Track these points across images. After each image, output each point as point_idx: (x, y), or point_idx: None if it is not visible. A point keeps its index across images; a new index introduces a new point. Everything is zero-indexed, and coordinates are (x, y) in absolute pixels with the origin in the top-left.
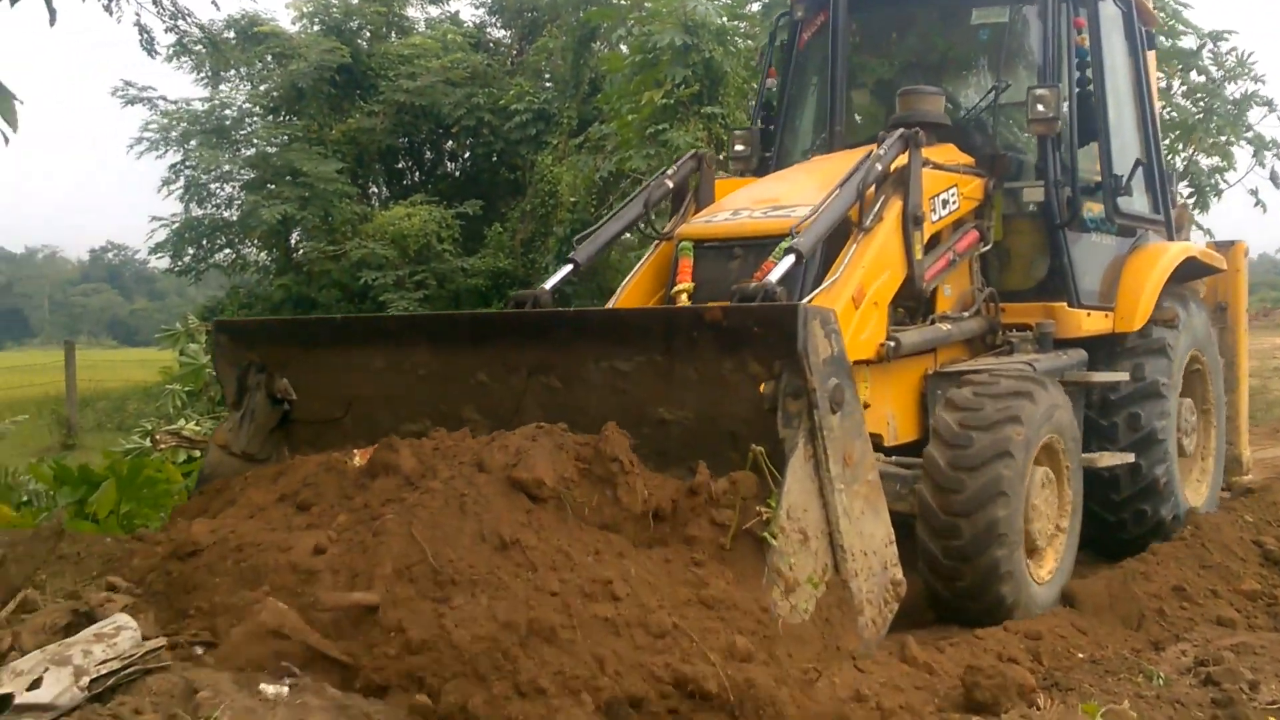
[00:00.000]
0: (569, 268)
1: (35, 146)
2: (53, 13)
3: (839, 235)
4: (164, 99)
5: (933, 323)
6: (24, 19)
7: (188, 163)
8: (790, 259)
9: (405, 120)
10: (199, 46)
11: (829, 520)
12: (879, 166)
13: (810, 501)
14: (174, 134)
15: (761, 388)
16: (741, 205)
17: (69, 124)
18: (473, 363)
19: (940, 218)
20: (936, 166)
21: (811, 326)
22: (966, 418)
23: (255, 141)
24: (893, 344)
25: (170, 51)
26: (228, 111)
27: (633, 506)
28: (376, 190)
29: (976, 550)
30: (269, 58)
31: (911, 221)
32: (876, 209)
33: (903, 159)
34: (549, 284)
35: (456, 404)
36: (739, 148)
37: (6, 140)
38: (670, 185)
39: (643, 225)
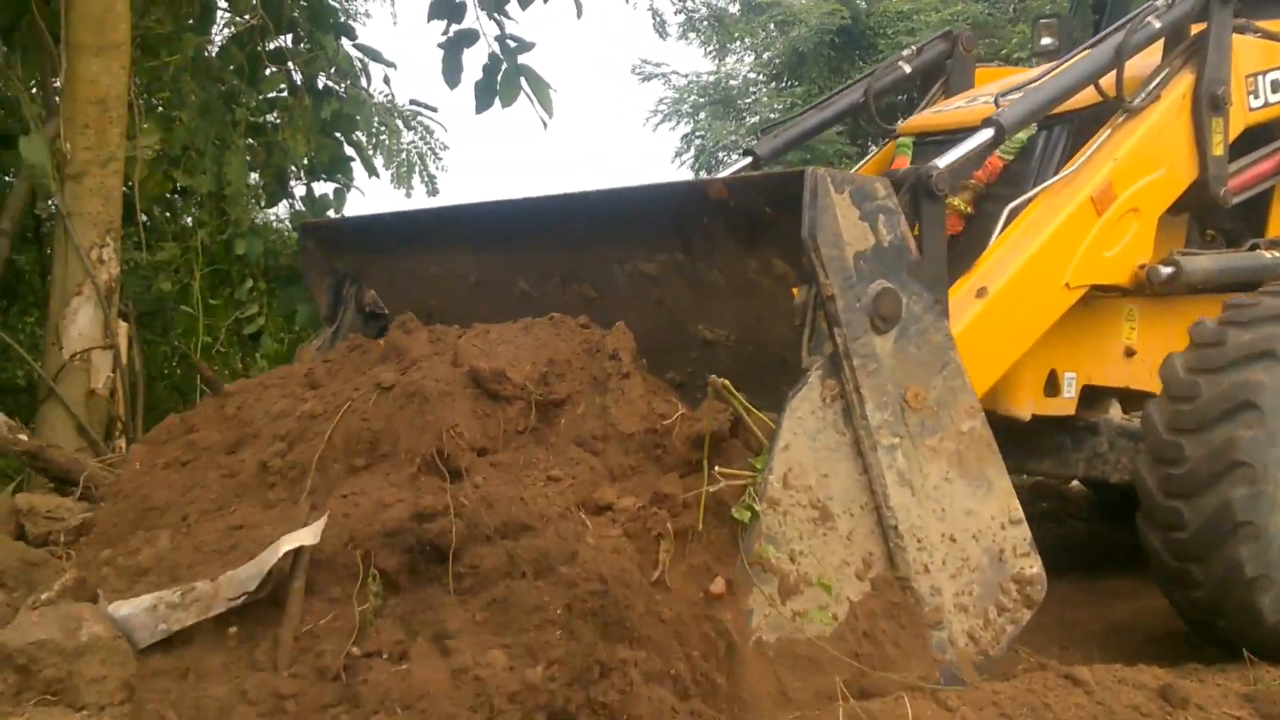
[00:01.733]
0: (745, 162)
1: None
2: (579, 6)
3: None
4: (676, 73)
5: (1252, 248)
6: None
7: (698, 133)
8: (985, 134)
9: None
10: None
11: (873, 490)
12: (1155, 24)
13: (833, 463)
14: (684, 107)
15: (795, 293)
16: (985, 93)
17: (591, 103)
18: (510, 270)
19: (1267, 105)
20: (1269, 36)
21: (826, 200)
22: (1198, 358)
23: (759, 109)
24: (1168, 270)
25: (680, 30)
26: (733, 82)
27: (621, 423)
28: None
29: (1207, 545)
30: (771, 26)
31: (1208, 102)
32: (1153, 84)
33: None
34: None
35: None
36: (1045, 40)
37: (545, 125)
38: (907, 70)
39: (864, 118)
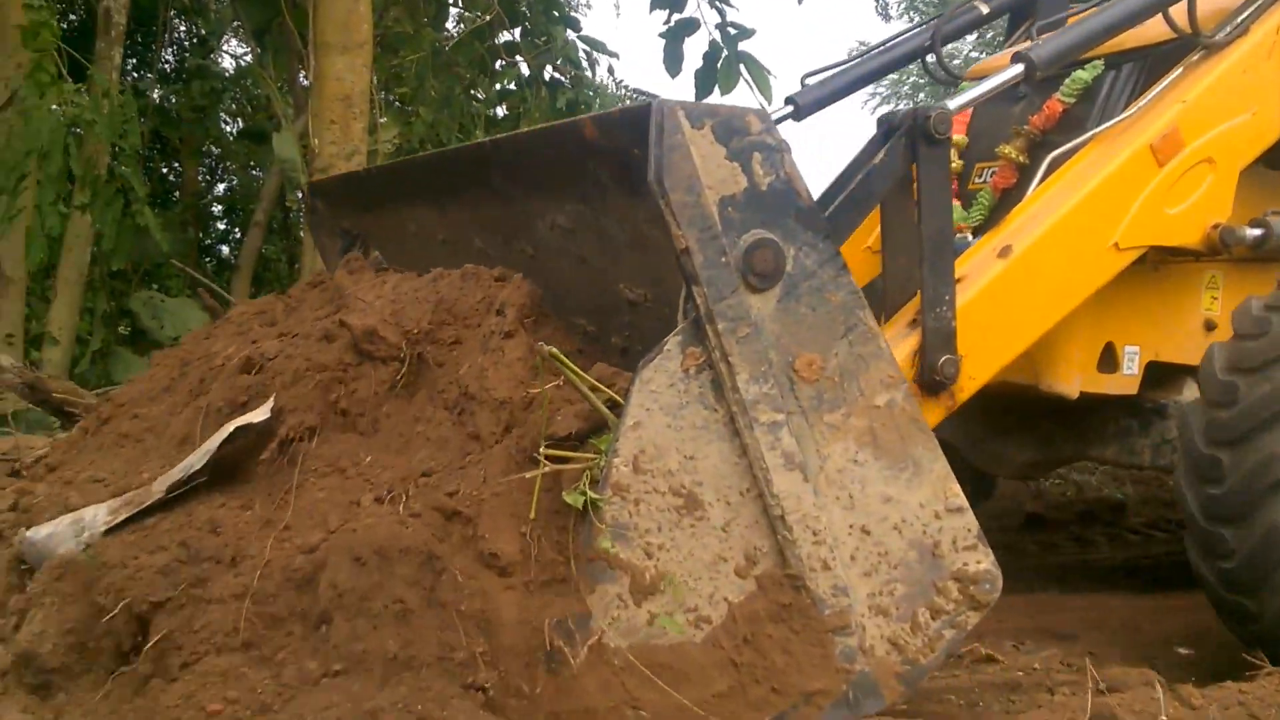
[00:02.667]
0: (785, 110)
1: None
2: None
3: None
4: None
5: None
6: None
7: None
8: (1012, 71)
9: None
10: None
11: (754, 475)
12: None
13: (701, 443)
14: (904, 88)
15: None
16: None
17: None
18: (467, 226)
19: None
20: None
21: (676, 137)
22: (1237, 352)
23: None
24: (1255, 233)
25: (901, 9)
26: (955, 61)
27: (494, 387)
28: None
29: (1259, 575)
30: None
31: None
32: (1241, 17)
33: None
34: None
35: None
36: None
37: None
38: (984, 10)
39: (929, 64)
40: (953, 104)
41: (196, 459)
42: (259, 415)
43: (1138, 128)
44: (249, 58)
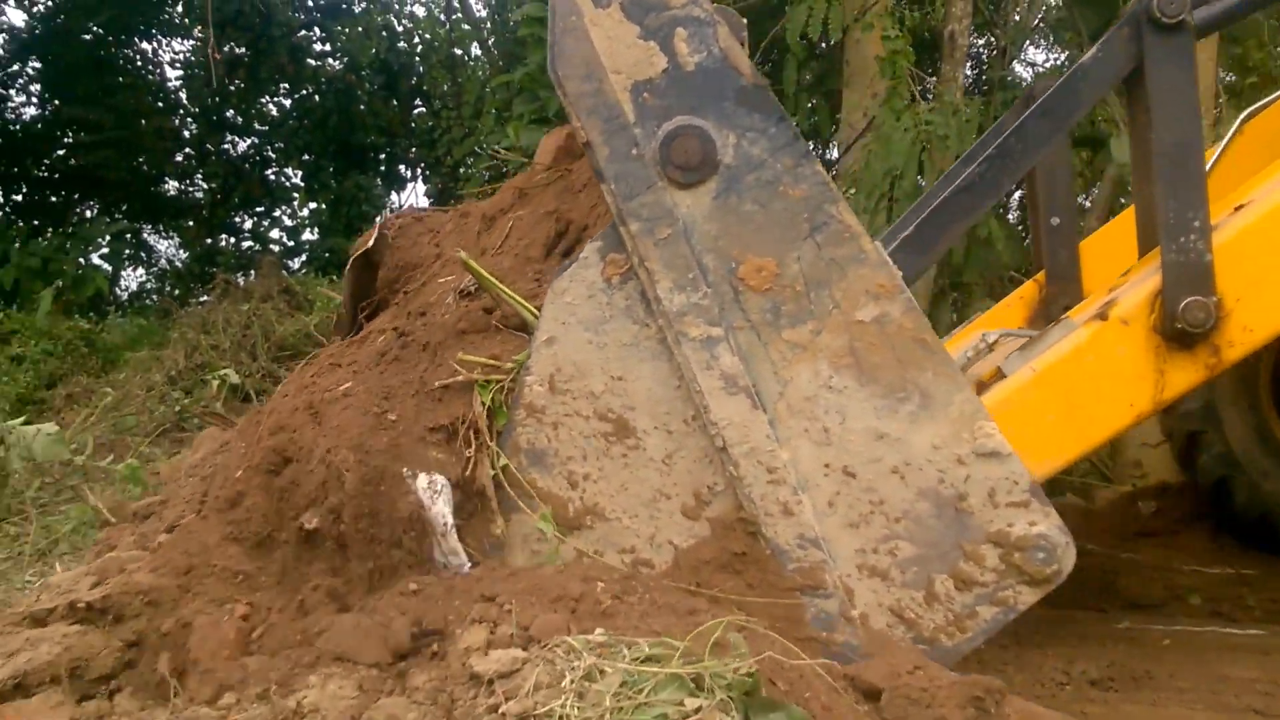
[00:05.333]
0: None
1: None
2: None
3: None
4: None
5: None
6: None
7: None
8: None
9: None
10: None
11: (696, 403)
12: None
13: (631, 363)
14: None
15: None
16: None
17: None
18: None
19: None
20: None
21: (572, 19)
22: None
23: None
24: None
25: None
26: None
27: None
28: None
29: None
30: None
31: None
32: None
33: None
34: None
35: None
36: None
37: None
38: None
39: None
40: None
41: None
42: None
43: None
44: (1046, 65)
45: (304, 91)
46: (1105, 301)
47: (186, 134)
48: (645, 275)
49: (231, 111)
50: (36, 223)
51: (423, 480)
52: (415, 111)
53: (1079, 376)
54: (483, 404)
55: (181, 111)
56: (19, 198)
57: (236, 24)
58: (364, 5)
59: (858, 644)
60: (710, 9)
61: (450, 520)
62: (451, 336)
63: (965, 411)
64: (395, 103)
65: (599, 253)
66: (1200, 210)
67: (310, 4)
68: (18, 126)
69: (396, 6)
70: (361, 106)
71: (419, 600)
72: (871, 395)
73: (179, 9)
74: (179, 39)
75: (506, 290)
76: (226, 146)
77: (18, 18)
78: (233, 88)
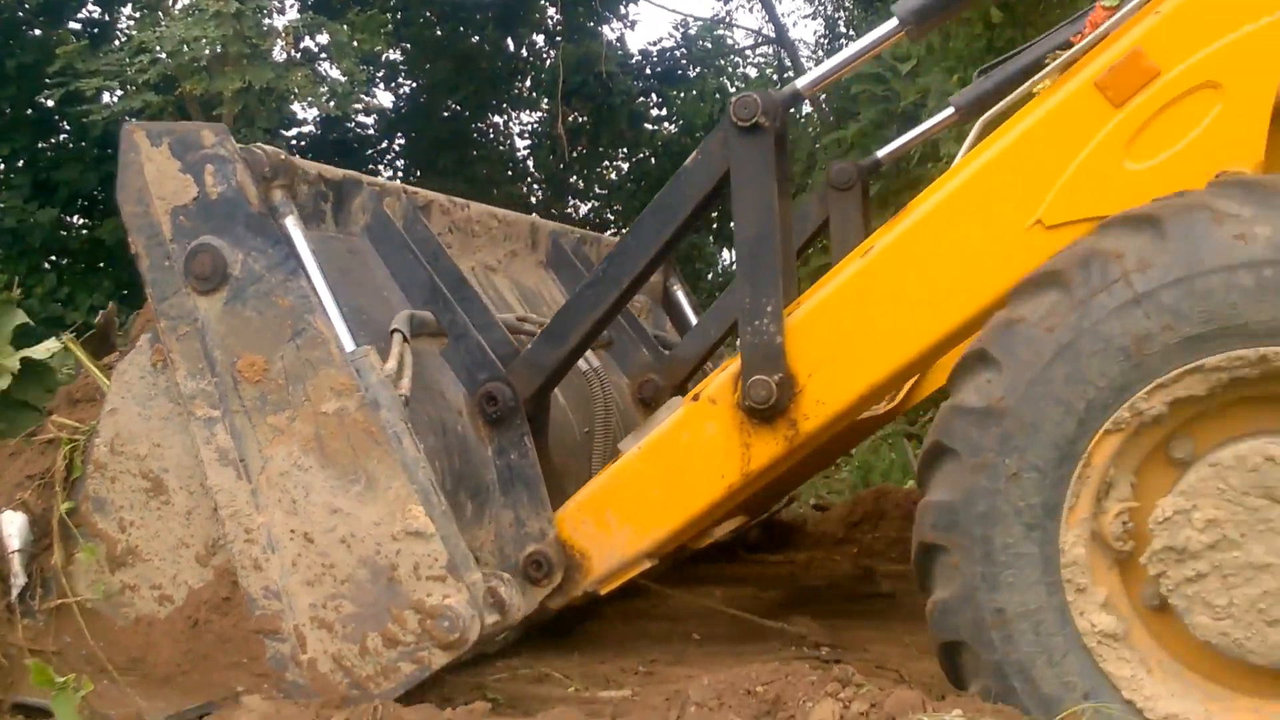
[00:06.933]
0: (945, 113)
1: None
2: None
3: None
4: None
5: None
6: None
7: None
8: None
9: None
10: None
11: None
12: None
13: (166, 433)
14: None
15: None
16: None
17: None
18: None
19: None
20: None
21: (132, 155)
22: None
23: None
24: None
25: None
26: None
27: None
28: None
29: None
30: None
31: None
32: None
33: None
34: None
35: None
36: None
37: None
38: None
39: None
40: (801, 82)
41: None
42: None
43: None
44: None
45: (641, 155)
46: (704, 382)
47: (533, 199)
48: (171, 363)
49: (574, 177)
50: None
51: (6, 515)
52: None
53: (676, 452)
54: (64, 459)
55: (529, 179)
56: None
57: (581, 94)
58: (699, 70)
59: (304, 683)
60: (234, 149)
61: (15, 547)
62: (66, 404)
63: (400, 495)
64: None
65: (150, 341)
66: (773, 296)
67: (648, 71)
68: None
69: (730, 69)
70: None
71: None
72: (330, 475)
73: (528, 84)
74: (527, 111)
75: (95, 369)
76: (570, 210)
77: (386, 99)
78: (575, 155)
